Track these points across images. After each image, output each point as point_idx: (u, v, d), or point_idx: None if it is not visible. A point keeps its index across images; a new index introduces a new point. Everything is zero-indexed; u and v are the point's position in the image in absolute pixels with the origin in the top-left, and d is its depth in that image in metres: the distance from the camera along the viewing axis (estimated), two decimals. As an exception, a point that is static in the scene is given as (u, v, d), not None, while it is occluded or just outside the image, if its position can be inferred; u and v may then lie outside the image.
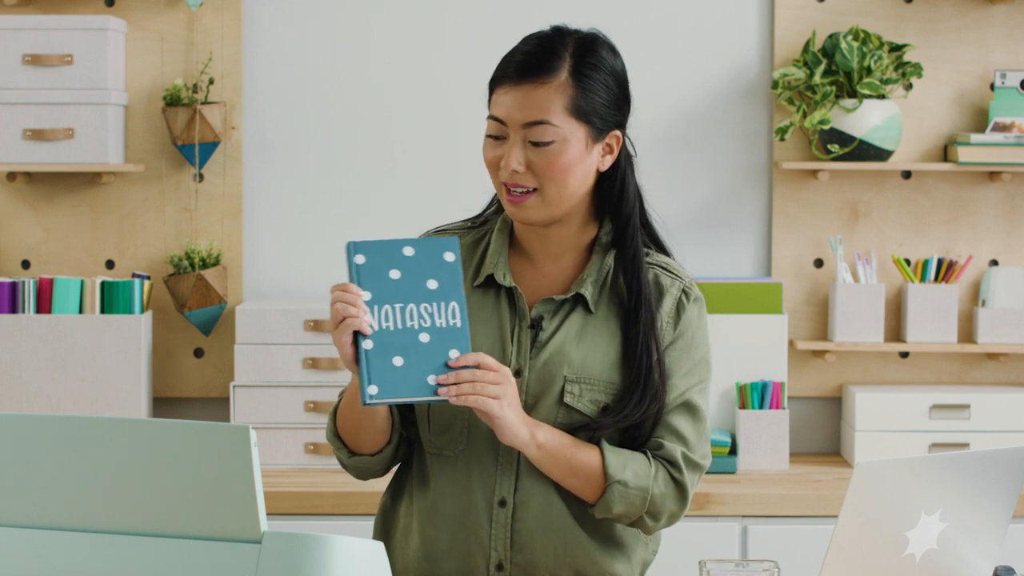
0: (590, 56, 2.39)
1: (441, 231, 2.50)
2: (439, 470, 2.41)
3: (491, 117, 2.36)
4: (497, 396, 2.27)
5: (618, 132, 2.43)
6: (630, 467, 2.37)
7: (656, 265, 2.46)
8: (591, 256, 2.44)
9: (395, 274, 2.29)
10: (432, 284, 2.29)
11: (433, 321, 2.28)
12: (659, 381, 2.37)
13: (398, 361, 2.26)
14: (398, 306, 2.28)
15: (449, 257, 2.30)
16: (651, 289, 2.41)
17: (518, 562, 2.39)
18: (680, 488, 2.43)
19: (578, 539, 2.41)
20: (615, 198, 2.46)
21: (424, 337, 2.28)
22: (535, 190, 2.35)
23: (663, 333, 2.41)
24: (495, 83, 2.38)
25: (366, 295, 2.27)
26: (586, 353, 2.39)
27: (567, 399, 2.38)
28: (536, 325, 2.41)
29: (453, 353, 2.28)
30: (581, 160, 2.37)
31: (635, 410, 2.36)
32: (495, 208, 2.52)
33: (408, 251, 2.30)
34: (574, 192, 2.38)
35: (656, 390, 2.37)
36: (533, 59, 2.36)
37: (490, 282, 2.43)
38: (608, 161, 2.43)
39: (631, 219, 2.45)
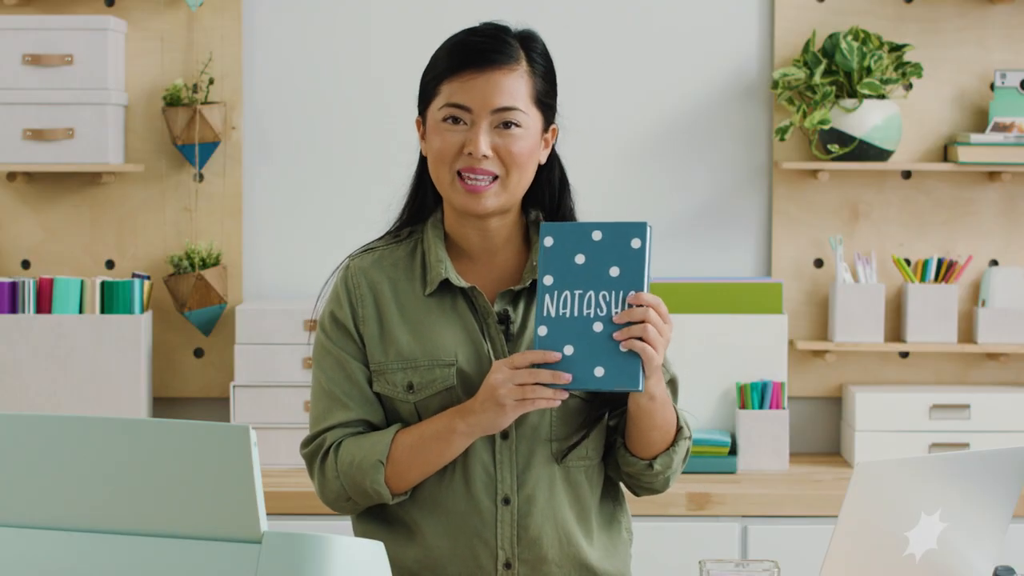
0: (538, 48, 2.43)
1: (368, 250, 2.47)
2: (435, 476, 2.39)
3: (452, 105, 2.35)
4: (658, 340, 2.24)
5: (555, 125, 2.46)
6: (685, 424, 2.44)
7: None
8: (529, 244, 2.46)
9: (580, 259, 2.26)
10: (614, 271, 2.25)
11: (609, 310, 2.25)
12: None
13: (568, 350, 2.24)
14: (578, 292, 2.25)
15: (636, 244, 2.26)
16: None
17: (526, 558, 2.39)
18: (688, 447, 2.48)
19: (577, 529, 2.42)
20: (555, 190, 2.48)
21: (598, 327, 2.24)
22: (496, 178, 2.36)
23: None
24: (451, 72, 2.36)
25: (548, 279, 2.25)
26: None
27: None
28: (504, 319, 2.41)
29: (617, 319, 2.23)
30: (537, 149, 2.41)
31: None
32: (408, 218, 2.49)
33: (596, 235, 2.27)
34: (528, 181, 2.41)
35: None
36: (493, 47, 2.37)
37: (443, 288, 2.42)
38: (546, 154, 2.45)
39: (571, 210, 2.50)
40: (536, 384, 2.25)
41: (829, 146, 4.05)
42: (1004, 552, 2.21)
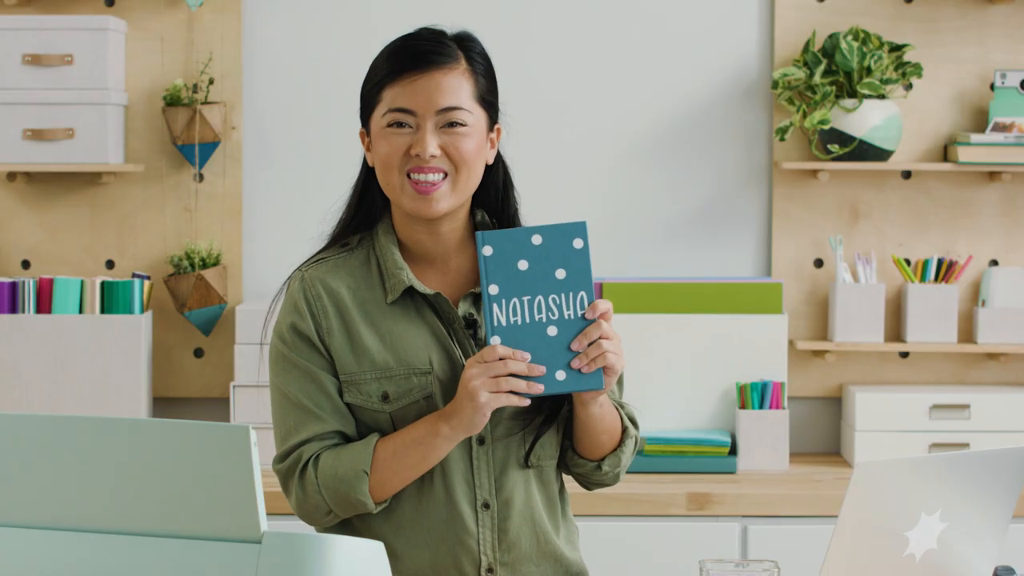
0: (475, 47, 2.43)
1: (319, 260, 2.43)
2: (412, 488, 2.38)
3: (396, 109, 2.34)
4: (619, 353, 2.27)
5: (499, 125, 2.45)
6: (631, 422, 2.46)
7: None
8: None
9: (523, 265, 2.25)
10: (560, 274, 2.25)
11: (561, 313, 2.24)
12: None
13: (527, 355, 2.24)
14: (526, 299, 2.24)
15: (578, 244, 2.25)
16: None
17: (506, 561, 2.40)
18: (635, 442, 2.49)
19: (549, 525, 2.44)
20: (500, 191, 2.47)
21: (552, 330, 2.24)
22: (445, 176, 2.35)
23: None
24: (392, 76, 2.35)
25: (494, 288, 2.24)
26: None
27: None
28: (470, 323, 2.40)
29: (575, 344, 2.24)
30: (483, 147, 2.40)
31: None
32: (352, 227, 2.47)
33: (536, 239, 2.25)
34: (477, 180, 2.40)
35: None
36: (432, 48, 2.37)
37: (405, 295, 2.40)
38: (492, 154, 2.44)
39: (516, 210, 2.48)
40: (509, 376, 2.24)
41: (829, 146, 4.06)
42: (1004, 552, 2.21)
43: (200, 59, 4.13)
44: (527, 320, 2.24)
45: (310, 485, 2.37)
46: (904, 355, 4.21)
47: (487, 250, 2.25)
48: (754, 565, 2.18)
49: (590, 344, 2.26)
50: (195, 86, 4.11)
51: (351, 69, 4.18)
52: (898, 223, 4.19)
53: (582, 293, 2.25)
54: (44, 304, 3.96)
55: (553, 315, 2.25)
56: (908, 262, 4.17)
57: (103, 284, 3.97)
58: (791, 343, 4.16)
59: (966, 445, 3.98)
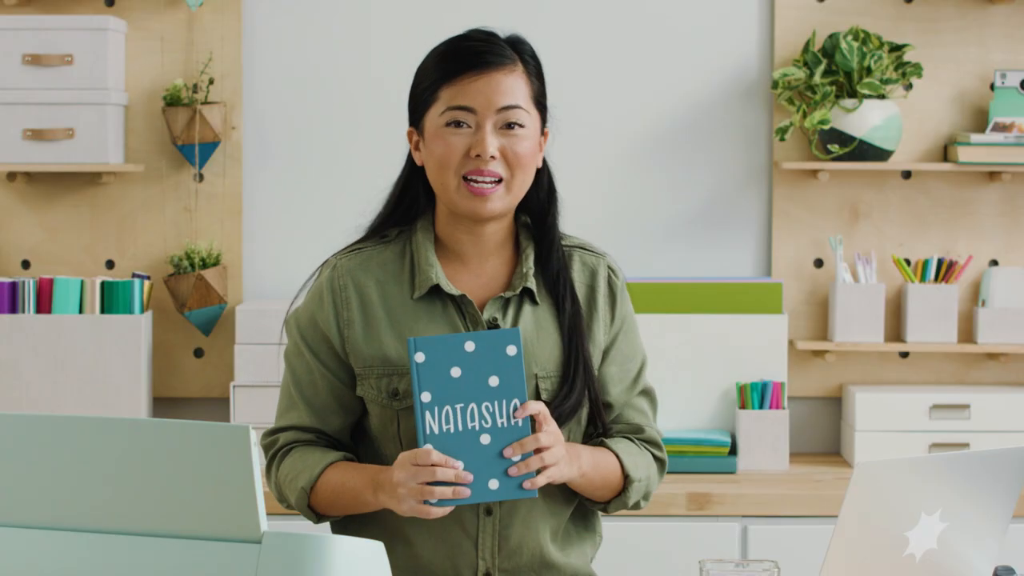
0: (528, 49, 2.43)
1: (356, 250, 2.45)
2: None
3: (455, 107, 2.34)
4: (556, 462, 2.26)
5: (547, 129, 2.45)
6: (638, 462, 2.43)
7: (576, 247, 2.49)
8: (519, 250, 2.45)
9: (456, 372, 2.22)
10: (493, 381, 2.22)
11: (494, 421, 2.22)
12: (585, 372, 2.40)
13: (458, 466, 2.21)
14: (459, 406, 2.21)
15: (511, 351, 2.22)
16: (573, 278, 2.44)
17: (505, 568, 2.40)
18: (662, 465, 2.50)
19: (551, 536, 2.43)
20: (544, 195, 2.46)
21: (485, 439, 2.22)
22: (500, 181, 2.35)
23: (602, 313, 2.44)
24: (452, 76, 2.35)
25: (426, 396, 2.22)
26: (544, 347, 2.40)
27: (543, 396, 2.38)
28: (493, 328, 2.39)
29: (508, 452, 2.22)
30: (537, 151, 2.40)
31: (566, 401, 2.38)
32: (393, 220, 2.47)
33: (469, 346, 2.22)
34: (529, 183, 2.40)
35: (584, 381, 2.39)
36: (489, 49, 2.37)
37: (432, 292, 2.40)
38: (540, 157, 2.44)
39: (557, 217, 2.47)
40: (436, 485, 2.22)
41: (829, 146, 4.06)
42: (1004, 552, 2.21)
43: (200, 59, 4.13)
44: (460, 428, 2.22)
45: (273, 475, 2.44)
46: (904, 355, 4.21)
47: (419, 356, 2.21)
48: (754, 565, 2.18)
49: (525, 456, 2.24)
50: (195, 86, 4.11)
51: (351, 69, 4.18)
52: (898, 223, 4.19)
53: (515, 400, 2.23)
54: (44, 304, 3.96)
55: (486, 423, 2.22)
56: (908, 262, 4.17)
57: (103, 284, 3.97)
58: (791, 343, 4.16)
59: (966, 445, 3.98)
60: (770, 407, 3.98)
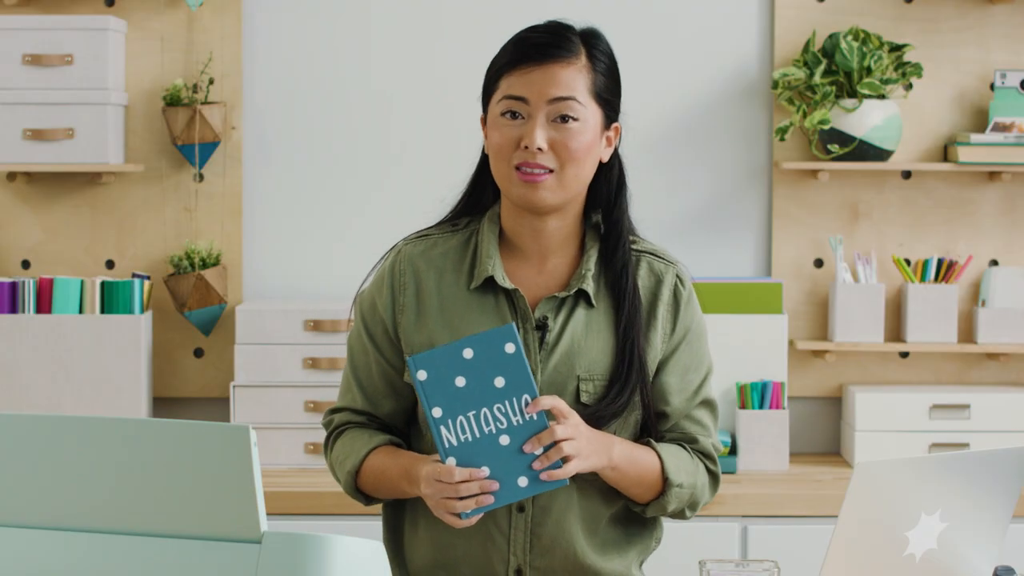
0: (599, 44, 2.42)
1: (424, 236, 2.46)
2: None
3: (509, 97, 2.35)
4: (578, 453, 2.26)
5: (618, 124, 2.43)
6: (683, 468, 2.41)
7: (647, 252, 2.48)
8: (583, 250, 2.44)
9: (460, 381, 2.22)
10: (499, 382, 2.22)
11: (509, 420, 2.22)
12: (638, 374, 2.38)
13: (484, 472, 2.22)
14: (471, 414, 2.22)
15: (510, 348, 2.22)
16: (637, 281, 2.43)
17: (538, 566, 2.39)
18: (715, 479, 2.48)
19: (587, 537, 2.41)
20: (612, 191, 2.46)
21: (504, 439, 2.22)
22: (551, 172, 2.34)
23: (662, 321, 2.42)
24: (511, 66, 2.36)
25: (437, 411, 2.22)
26: (594, 349, 2.39)
27: (584, 398, 2.38)
28: (542, 326, 2.39)
29: (528, 447, 2.22)
30: (595, 144, 2.38)
31: (615, 402, 2.37)
32: (464, 209, 2.49)
33: (468, 353, 2.22)
34: (586, 177, 2.39)
35: (636, 382, 2.38)
36: (553, 41, 2.37)
37: (488, 284, 2.41)
38: (608, 152, 2.43)
39: (625, 212, 2.48)
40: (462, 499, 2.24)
41: (829, 146, 4.05)
42: (1004, 552, 2.21)
43: (200, 59, 4.13)
44: (477, 435, 2.22)
45: (328, 456, 2.49)
46: (904, 355, 4.21)
47: (421, 375, 2.22)
48: (754, 565, 2.18)
49: (547, 448, 2.24)
50: (195, 86, 4.10)
51: (351, 69, 4.18)
52: (898, 223, 4.19)
53: (525, 396, 2.23)
54: (44, 304, 3.96)
55: (502, 424, 2.22)
56: (908, 262, 4.17)
57: (103, 284, 3.97)
58: (791, 343, 4.16)
59: (966, 445, 3.98)
60: (770, 407, 3.99)
